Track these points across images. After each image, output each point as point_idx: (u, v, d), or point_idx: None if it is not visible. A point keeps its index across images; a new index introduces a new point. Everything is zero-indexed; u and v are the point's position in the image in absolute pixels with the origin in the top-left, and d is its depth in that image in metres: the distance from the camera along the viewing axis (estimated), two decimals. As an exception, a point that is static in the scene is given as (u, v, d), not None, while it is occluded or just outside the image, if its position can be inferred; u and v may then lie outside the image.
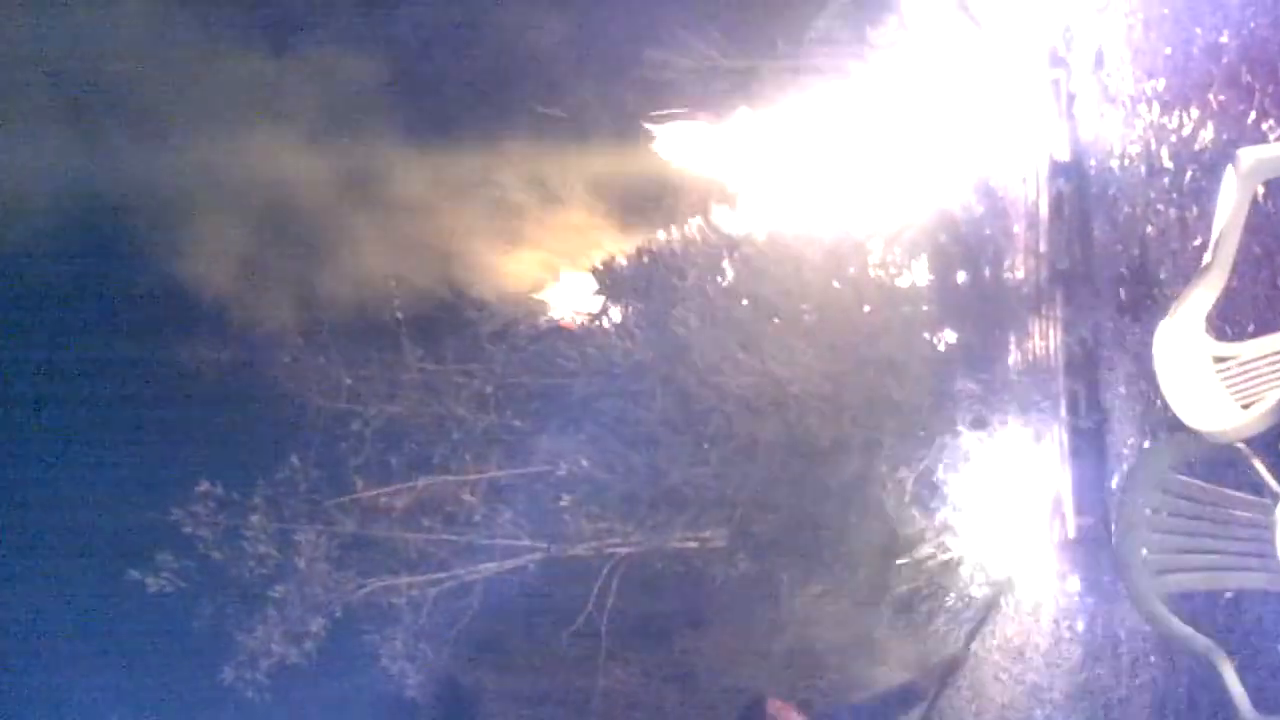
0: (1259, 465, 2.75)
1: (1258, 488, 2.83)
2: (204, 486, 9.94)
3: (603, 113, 10.27)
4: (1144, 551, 3.03)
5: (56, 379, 10.75)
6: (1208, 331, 2.93)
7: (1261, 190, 3.10)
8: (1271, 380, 2.76)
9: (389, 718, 11.06)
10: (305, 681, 10.27)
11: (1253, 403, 2.71)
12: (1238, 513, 2.89)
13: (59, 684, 10.67)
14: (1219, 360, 2.88)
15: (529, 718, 11.48)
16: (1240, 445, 2.76)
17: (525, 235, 10.00)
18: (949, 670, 5.45)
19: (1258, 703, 2.95)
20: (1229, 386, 2.81)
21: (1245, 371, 2.82)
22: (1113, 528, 2.89)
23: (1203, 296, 2.89)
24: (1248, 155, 2.82)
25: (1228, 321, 3.88)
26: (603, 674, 11.42)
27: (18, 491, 10.21)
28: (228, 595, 9.92)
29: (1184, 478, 2.95)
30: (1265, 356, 2.82)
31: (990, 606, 6.20)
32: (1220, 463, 3.62)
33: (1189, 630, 3.10)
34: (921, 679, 5.38)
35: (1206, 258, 2.85)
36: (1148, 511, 2.92)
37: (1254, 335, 2.95)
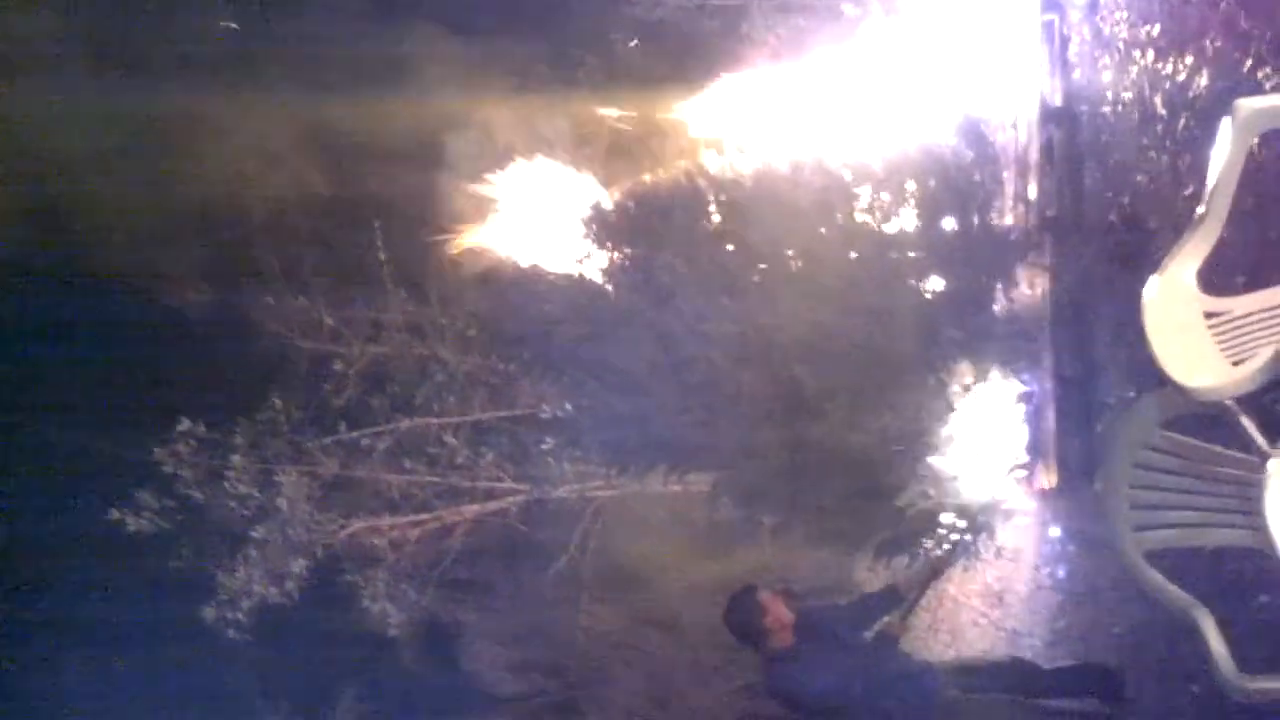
0: (1246, 422, 2.70)
1: (1244, 445, 2.79)
2: (185, 425, 9.88)
3: (592, 53, 10.12)
4: (1127, 507, 3.00)
5: (36, 317, 10.62)
6: (1199, 286, 2.88)
7: (1255, 141, 3.05)
8: (1263, 336, 2.71)
9: (371, 657, 11.09)
10: (287, 621, 10.27)
11: (1244, 359, 2.66)
12: (1223, 470, 2.85)
13: (36, 621, 10.65)
14: (1210, 315, 2.83)
15: (511, 658, 11.53)
16: (1228, 402, 2.72)
17: (511, 177, 9.87)
18: (931, 575, 5.49)
19: (1235, 659, 2.93)
20: (1220, 342, 2.76)
21: (1237, 327, 2.76)
22: (1096, 482, 2.85)
23: (1195, 249, 2.84)
24: (1245, 105, 2.75)
25: (1216, 275, 3.83)
26: (585, 614, 11.47)
27: (-3, 431, 10.12)
28: (209, 535, 9.90)
29: (1170, 433, 2.92)
30: (1258, 312, 2.77)
31: (977, 533, 6.20)
32: (1205, 418, 3.60)
33: (1170, 586, 3.08)
34: (903, 583, 5.43)
35: (1200, 209, 2.79)
36: (1132, 466, 2.88)
37: (1245, 290, 2.89)
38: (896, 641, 5.15)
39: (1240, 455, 2.81)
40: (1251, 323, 2.76)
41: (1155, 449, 2.81)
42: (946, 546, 5.90)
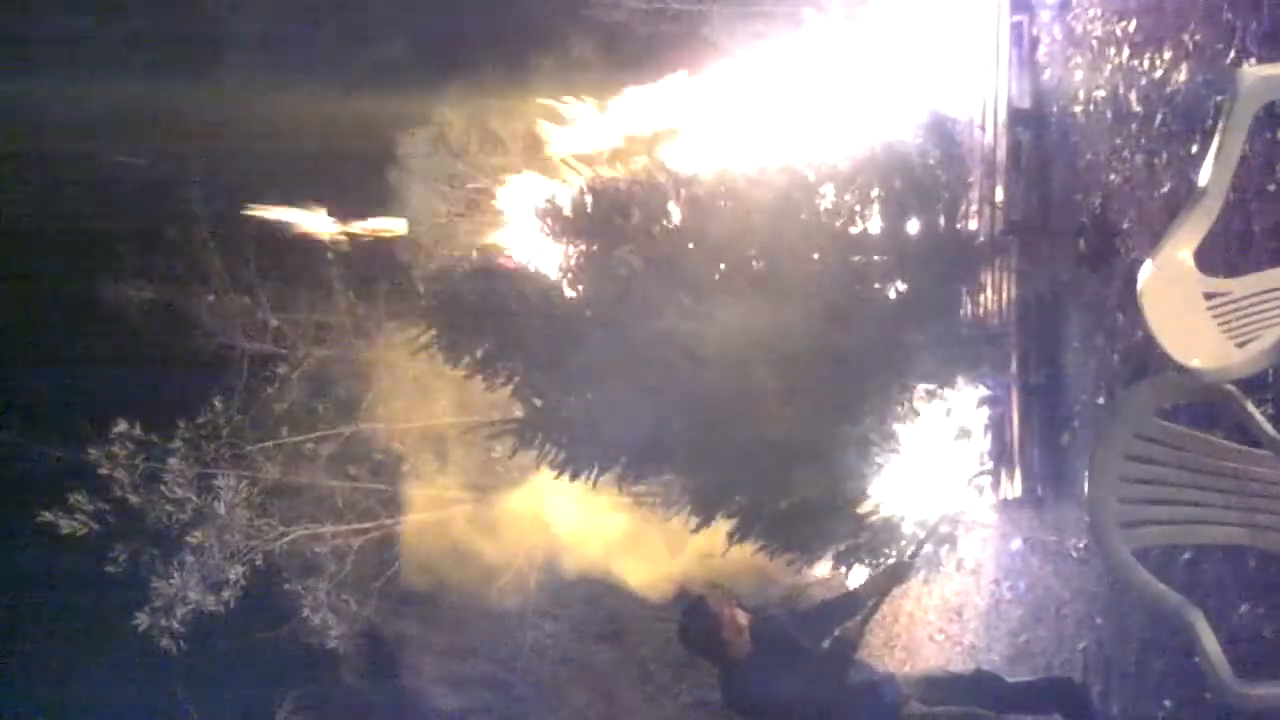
0: (1253, 410, 2.54)
1: (1245, 436, 2.63)
2: (121, 426, 9.57)
3: (549, 54, 9.97)
4: (1116, 500, 2.81)
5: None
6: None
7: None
8: (1267, 319, 2.55)
9: (310, 669, 10.79)
10: (223, 631, 9.97)
11: (1247, 341, 2.50)
12: (1222, 462, 2.68)
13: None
14: (1210, 296, 2.67)
15: (455, 672, 11.28)
16: (1231, 388, 2.56)
17: (464, 177, 9.68)
18: (891, 581, 5.39)
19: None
20: (1221, 324, 2.60)
21: (1239, 308, 2.61)
22: (1086, 475, 2.66)
23: (1194, 227, 2.68)
24: (1249, 74, 2.60)
25: (1245, 261, 3.71)
26: (531, 628, 11.23)
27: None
28: (143, 540, 9.59)
29: (1164, 423, 2.74)
30: (1260, 294, 2.61)
31: (939, 543, 6.09)
32: (1202, 411, 3.45)
33: (1160, 584, 2.90)
34: (864, 588, 5.31)
35: (1201, 182, 2.63)
36: (1124, 458, 2.70)
37: (1224, 276, 2.75)
38: (854, 647, 5.01)
39: (1238, 447, 2.65)
40: (1254, 304, 2.60)
41: (1150, 439, 2.63)
42: (909, 554, 5.74)
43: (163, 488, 9.68)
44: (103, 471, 9.53)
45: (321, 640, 10.27)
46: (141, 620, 9.39)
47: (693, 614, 5.05)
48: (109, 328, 10.60)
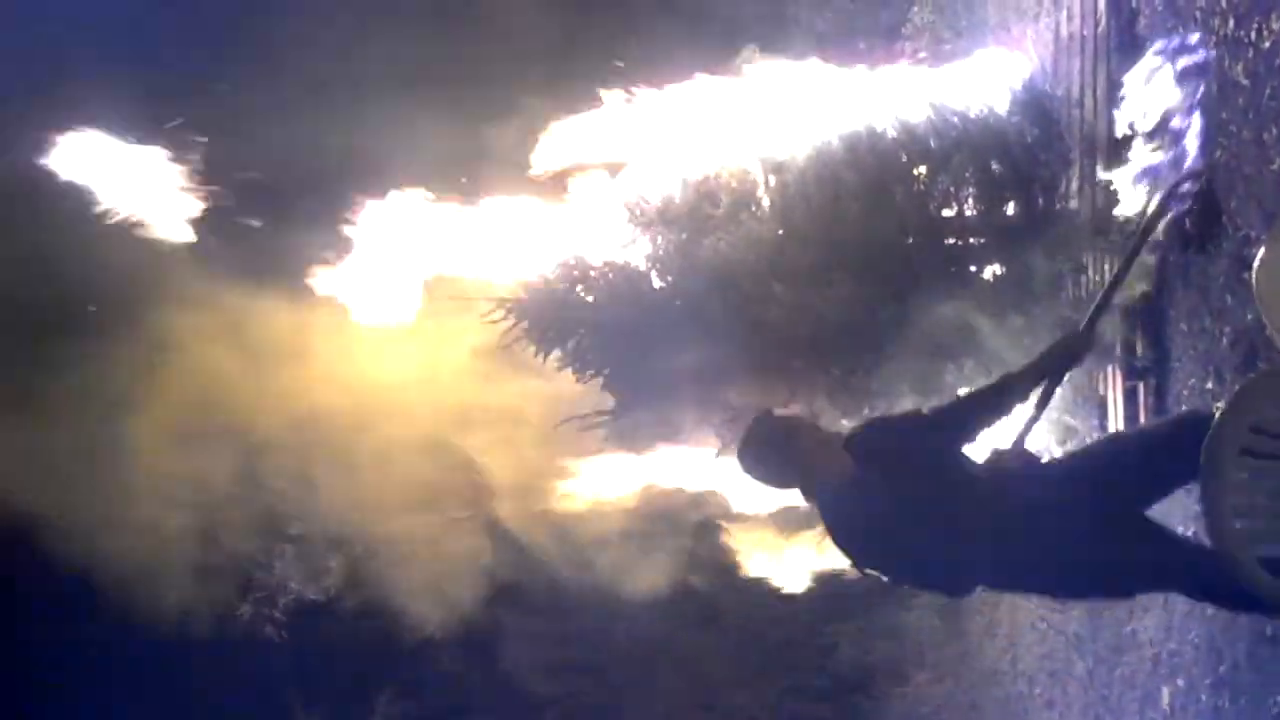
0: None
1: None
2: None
3: (633, 38, 9.94)
4: (1229, 494, 2.70)
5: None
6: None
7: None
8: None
9: (409, 656, 10.94)
10: (324, 619, 10.16)
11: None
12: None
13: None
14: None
15: (551, 658, 11.36)
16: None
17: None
18: (1066, 360, 3.97)
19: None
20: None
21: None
22: (1198, 478, 2.56)
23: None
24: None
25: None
26: (625, 616, 11.26)
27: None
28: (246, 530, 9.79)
29: (1282, 415, 2.63)
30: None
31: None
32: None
33: (1272, 579, 2.79)
34: (1025, 373, 3.87)
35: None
36: (1238, 454, 2.59)
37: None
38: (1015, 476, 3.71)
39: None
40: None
41: (1268, 433, 2.52)
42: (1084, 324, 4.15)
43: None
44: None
45: (420, 628, 10.41)
46: (244, 611, 9.60)
47: (758, 429, 3.96)
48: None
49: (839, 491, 3.76)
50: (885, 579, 3.95)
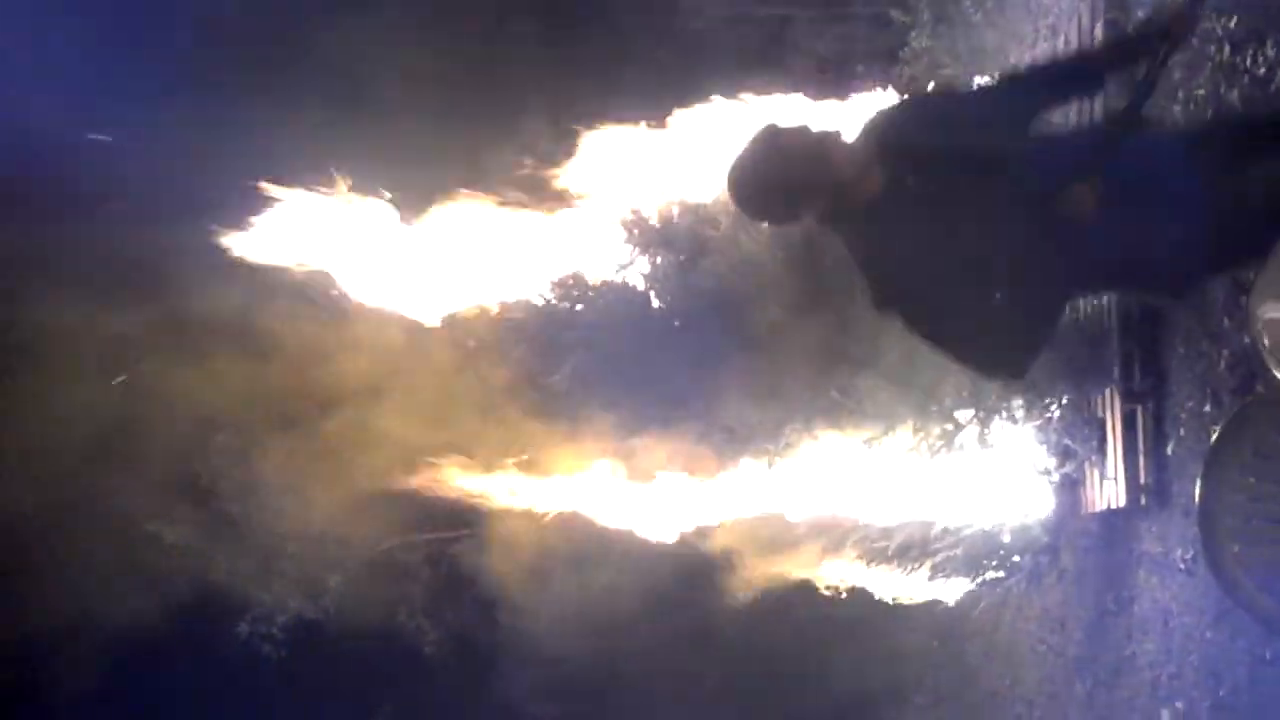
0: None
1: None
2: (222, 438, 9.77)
3: (632, 63, 9.98)
4: (1230, 518, 2.72)
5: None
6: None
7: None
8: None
9: (406, 676, 10.91)
10: (322, 638, 10.14)
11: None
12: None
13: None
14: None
15: (550, 679, 11.32)
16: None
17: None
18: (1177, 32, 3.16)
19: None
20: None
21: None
22: (1199, 489, 2.57)
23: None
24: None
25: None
26: (624, 633, 11.24)
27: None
28: (244, 549, 9.76)
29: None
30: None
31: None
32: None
33: (1271, 603, 2.80)
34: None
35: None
36: (1240, 474, 2.61)
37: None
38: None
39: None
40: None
41: (1269, 458, 2.54)
42: None
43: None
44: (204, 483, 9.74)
45: (417, 647, 10.39)
46: (242, 629, 9.59)
47: (771, 138, 2.97)
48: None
49: (874, 208, 3.04)
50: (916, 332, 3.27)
